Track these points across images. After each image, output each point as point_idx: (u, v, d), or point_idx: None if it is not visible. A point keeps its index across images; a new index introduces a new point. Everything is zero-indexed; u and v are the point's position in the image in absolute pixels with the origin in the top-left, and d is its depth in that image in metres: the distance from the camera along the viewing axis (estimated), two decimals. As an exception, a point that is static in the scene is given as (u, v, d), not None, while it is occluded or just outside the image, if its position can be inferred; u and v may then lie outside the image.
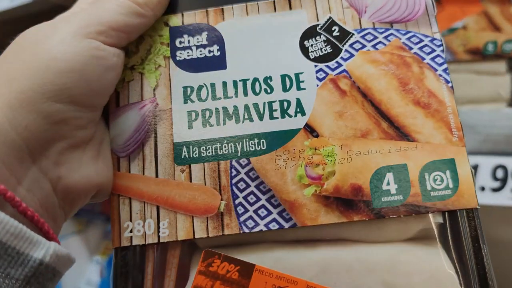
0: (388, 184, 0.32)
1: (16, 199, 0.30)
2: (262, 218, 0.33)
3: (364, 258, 0.32)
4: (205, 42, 0.37)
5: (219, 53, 0.36)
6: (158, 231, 0.34)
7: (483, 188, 0.63)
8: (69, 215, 0.35)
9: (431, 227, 0.32)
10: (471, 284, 0.30)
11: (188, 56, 0.37)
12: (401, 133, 0.33)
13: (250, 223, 0.33)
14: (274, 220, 0.33)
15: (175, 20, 0.37)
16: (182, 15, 0.37)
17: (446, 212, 0.32)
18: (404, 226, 0.32)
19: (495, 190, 0.62)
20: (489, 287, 0.30)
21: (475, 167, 0.64)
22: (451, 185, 0.32)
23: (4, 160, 0.30)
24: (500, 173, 0.63)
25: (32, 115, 0.31)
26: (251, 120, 0.35)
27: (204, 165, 0.34)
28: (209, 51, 0.36)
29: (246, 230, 0.33)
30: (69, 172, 0.33)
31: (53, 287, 0.31)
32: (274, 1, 0.37)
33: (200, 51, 0.36)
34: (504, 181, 0.63)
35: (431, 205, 0.32)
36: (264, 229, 0.33)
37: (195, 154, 0.34)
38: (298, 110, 0.34)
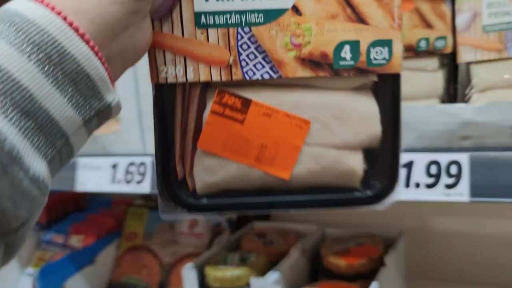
0: (345, 53, 0.47)
1: (86, 37, 0.36)
2: (258, 70, 0.48)
3: (323, 99, 0.49)
4: None
5: None
6: (186, 74, 0.49)
7: (417, 185, 0.68)
8: (118, 77, 0.43)
9: (369, 82, 0.49)
10: (386, 120, 0.48)
11: None
12: (359, 18, 0.47)
13: (250, 73, 0.48)
14: (267, 72, 0.48)
15: None
16: None
17: (381, 74, 0.48)
18: (352, 80, 0.49)
19: (429, 186, 0.67)
20: (398, 122, 0.49)
21: (410, 164, 0.67)
22: (387, 57, 0.47)
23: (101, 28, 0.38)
24: (434, 169, 0.67)
25: None
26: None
27: (217, 30, 0.48)
28: None
29: (247, 78, 0.49)
30: (140, 36, 0.43)
31: (94, 128, 0.40)
32: None
33: None
34: (437, 177, 0.67)
35: (372, 69, 0.48)
36: (260, 78, 0.49)
37: (211, 22, 0.47)
38: (289, -6, 0.47)
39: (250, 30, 0.48)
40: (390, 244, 1.06)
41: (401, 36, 0.47)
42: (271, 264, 1.01)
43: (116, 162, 0.94)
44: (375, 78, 0.48)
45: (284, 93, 0.49)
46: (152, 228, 1.35)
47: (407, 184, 0.70)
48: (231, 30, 0.48)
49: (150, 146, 0.93)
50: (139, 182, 0.91)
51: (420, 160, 0.69)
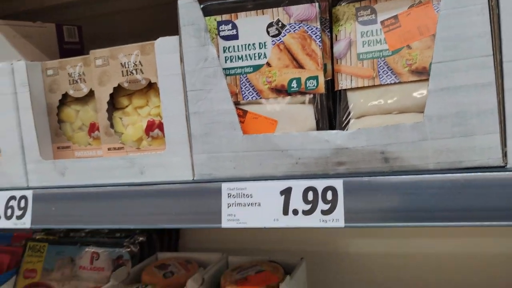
0: (294, 84, 0.75)
1: None
2: (250, 95, 0.77)
3: (284, 109, 0.77)
4: None
5: None
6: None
7: (296, 212, 0.68)
8: None
9: (308, 99, 0.76)
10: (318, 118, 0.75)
11: None
12: (299, 65, 0.74)
13: (246, 97, 0.78)
14: (254, 96, 0.77)
15: None
16: None
17: (313, 94, 0.75)
18: (298, 98, 0.77)
19: (307, 212, 0.68)
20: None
21: (288, 190, 0.69)
22: (315, 85, 0.75)
23: None
24: (311, 196, 0.68)
25: None
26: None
27: (230, 77, 0.78)
28: None
29: (245, 100, 0.78)
30: None
31: None
32: None
33: None
34: (314, 203, 0.68)
35: (308, 92, 0.75)
36: (251, 99, 0.78)
37: (227, 73, 0.78)
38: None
39: (246, 76, 0.77)
40: (291, 271, 1.05)
41: (323, 73, 0.74)
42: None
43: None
44: (311, 96, 0.76)
45: (264, 106, 0.78)
46: (52, 264, 1.28)
47: (286, 211, 0.69)
48: (237, 76, 0.78)
49: (32, 179, 0.88)
50: (19, 217, 0.86)
51: (297, 186, 0.69)
